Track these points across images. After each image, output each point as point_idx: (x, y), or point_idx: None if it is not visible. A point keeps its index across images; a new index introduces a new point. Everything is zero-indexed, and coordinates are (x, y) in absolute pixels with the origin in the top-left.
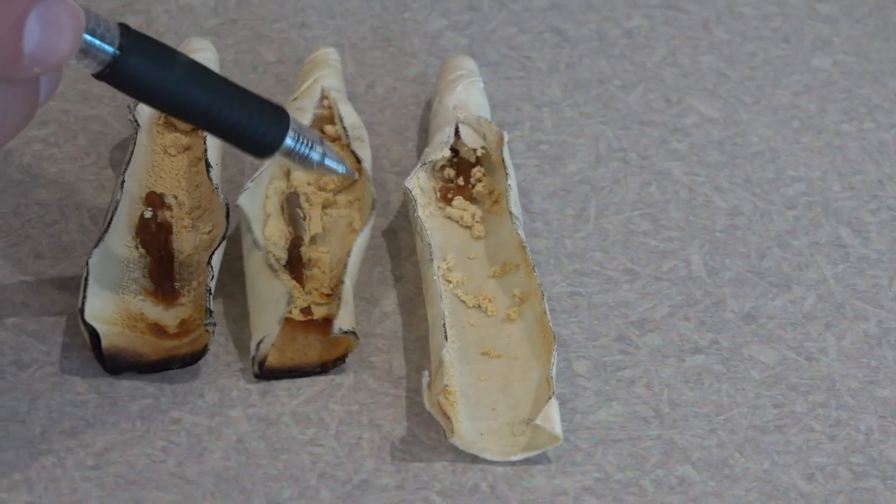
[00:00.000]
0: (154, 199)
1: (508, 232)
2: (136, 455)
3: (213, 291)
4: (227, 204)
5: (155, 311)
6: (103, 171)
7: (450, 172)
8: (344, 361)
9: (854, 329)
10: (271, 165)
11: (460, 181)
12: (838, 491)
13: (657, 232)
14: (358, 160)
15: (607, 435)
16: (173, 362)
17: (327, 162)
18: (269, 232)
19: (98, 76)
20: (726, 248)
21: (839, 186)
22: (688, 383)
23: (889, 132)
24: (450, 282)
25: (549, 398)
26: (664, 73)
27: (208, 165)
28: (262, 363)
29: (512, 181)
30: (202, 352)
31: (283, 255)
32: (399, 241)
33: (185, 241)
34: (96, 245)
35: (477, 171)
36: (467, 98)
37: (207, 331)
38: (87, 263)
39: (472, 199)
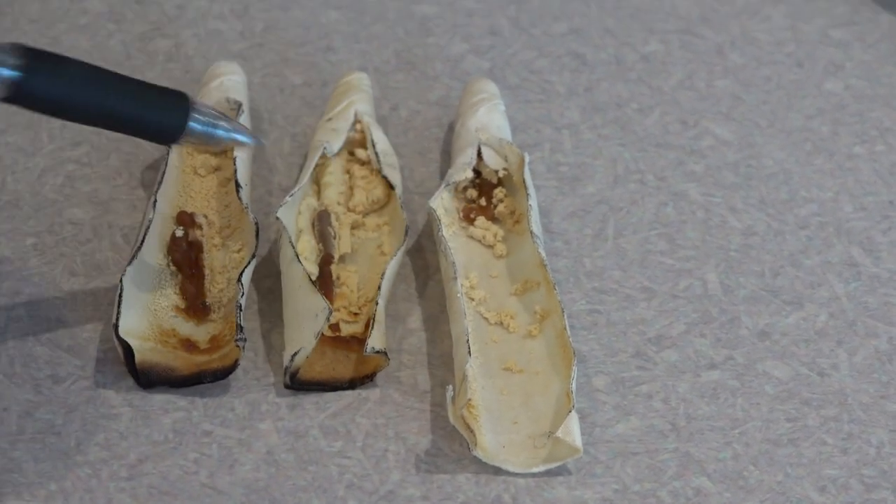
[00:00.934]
0: (185, 219)
1: (529, 251)
2: (169, 466)
3: (243, 308)
4: (256, 223)
5: (186, 327)
6: (135, 190)
7: (472, 193)
8: (372, 380)
9: (865, 345)
10: (307, 183)
11: (482, 201)
12: (850, 502)
13: (674, 251)
14: (391, 186)
15: (626, 448)
16: (204, 377)
17: (235, 136)
18: (301, 248)
19: (5, 100)
20: (741, 267)
21: (851, 207)
22: (703, 398)
23: None
24: (473, 299)
25: (570, 412)
26: (680, 96)
27: (238, 186)
28: (294, 374)
29: (533, 201)
30: (233, 367)
31: (314, 271)
32: (423, 260)
33: (215, 259)
34: (130, 263)
35: (499, 192)
36: (489, 121)
37: (238, 346)
38: (120, 281)
39: (494, 219)
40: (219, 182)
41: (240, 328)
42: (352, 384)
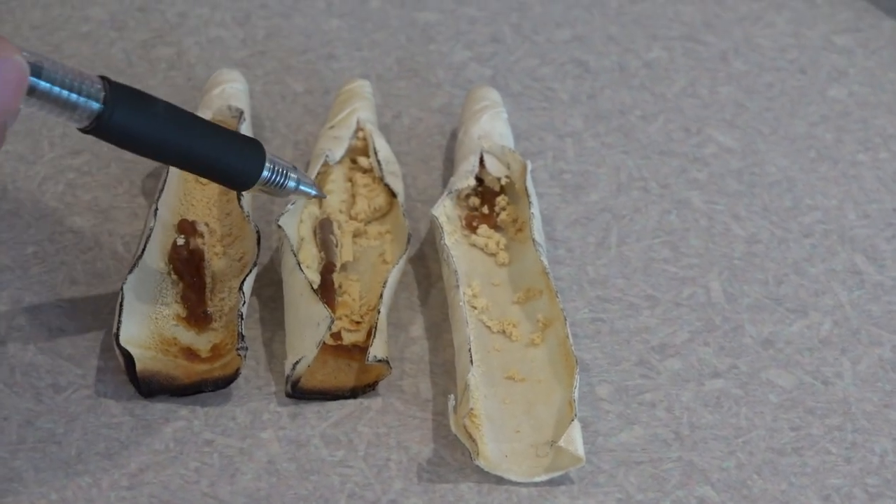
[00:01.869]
0: (186, 227)
1: (532, 259)
2: (170, 476)
3: (244, 316)
4: (258, 231)
5: (188, 336)
6: (136, 199)
7: (475, 201)
8: (374, 388)
9: (869, 354)
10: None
11: (485, 209)
12: None
13: (677, 259)
14: (393, 194)
15: (629, 457)
16: (206, 385)
17: (302, 188)
18: (303, 256)
19: (84, 130)
20: (745, 275)
21: (855, 215)
22: (707, 406)
23: None
24: (475, 307)
25: (572, 421)
26: (683, 103)
27: (239, 194)
28: (295, 383)
29: (535, 209)
30: (234, 375)
31: (316, 279)
32: (426, 268)
33: (216, 268)
34: (130, 271)
35: (501, 200)
36: (491, 128)
37: (239, 355)
38: (121, 289)
39: (496, 227)
40: (220, 190)
41: (241, 337)
42: (353, 393)
